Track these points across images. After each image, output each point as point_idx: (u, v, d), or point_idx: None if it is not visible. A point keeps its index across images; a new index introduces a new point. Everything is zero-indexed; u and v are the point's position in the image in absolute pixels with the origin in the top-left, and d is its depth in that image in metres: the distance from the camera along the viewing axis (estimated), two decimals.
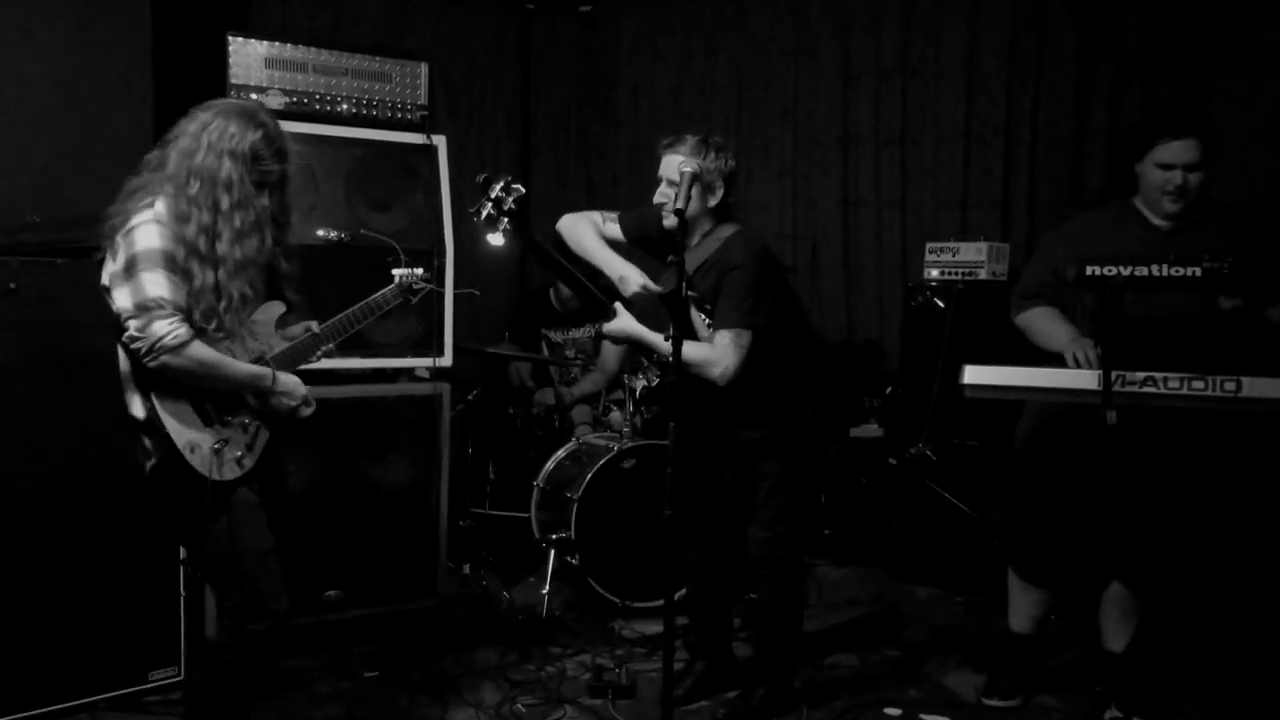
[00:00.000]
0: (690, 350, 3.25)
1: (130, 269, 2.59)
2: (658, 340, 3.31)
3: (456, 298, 4.19)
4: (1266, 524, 3.43)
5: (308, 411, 2.91)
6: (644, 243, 3.61)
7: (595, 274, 3.54)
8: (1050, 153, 5.50)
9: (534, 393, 5.71)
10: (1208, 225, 3.37)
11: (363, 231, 4.02)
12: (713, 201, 3.44)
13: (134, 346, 2.58)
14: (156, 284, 2.57)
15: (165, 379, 2.63)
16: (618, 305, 3.36)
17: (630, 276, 3.38)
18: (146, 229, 2.61)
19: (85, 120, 3.55)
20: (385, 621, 4.19)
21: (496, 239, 3.09)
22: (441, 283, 4.07)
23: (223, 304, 2.67)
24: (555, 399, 5.56)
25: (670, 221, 3.32)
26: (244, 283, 2.70)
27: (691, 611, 3.94)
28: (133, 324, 2.57)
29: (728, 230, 3.47)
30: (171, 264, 2.60)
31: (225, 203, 2.66)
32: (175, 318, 2.58)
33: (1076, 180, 5.43)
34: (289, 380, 2.84)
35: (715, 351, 3.29)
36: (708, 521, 3.75)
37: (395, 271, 3.25)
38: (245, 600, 2.75)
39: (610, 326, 3.38)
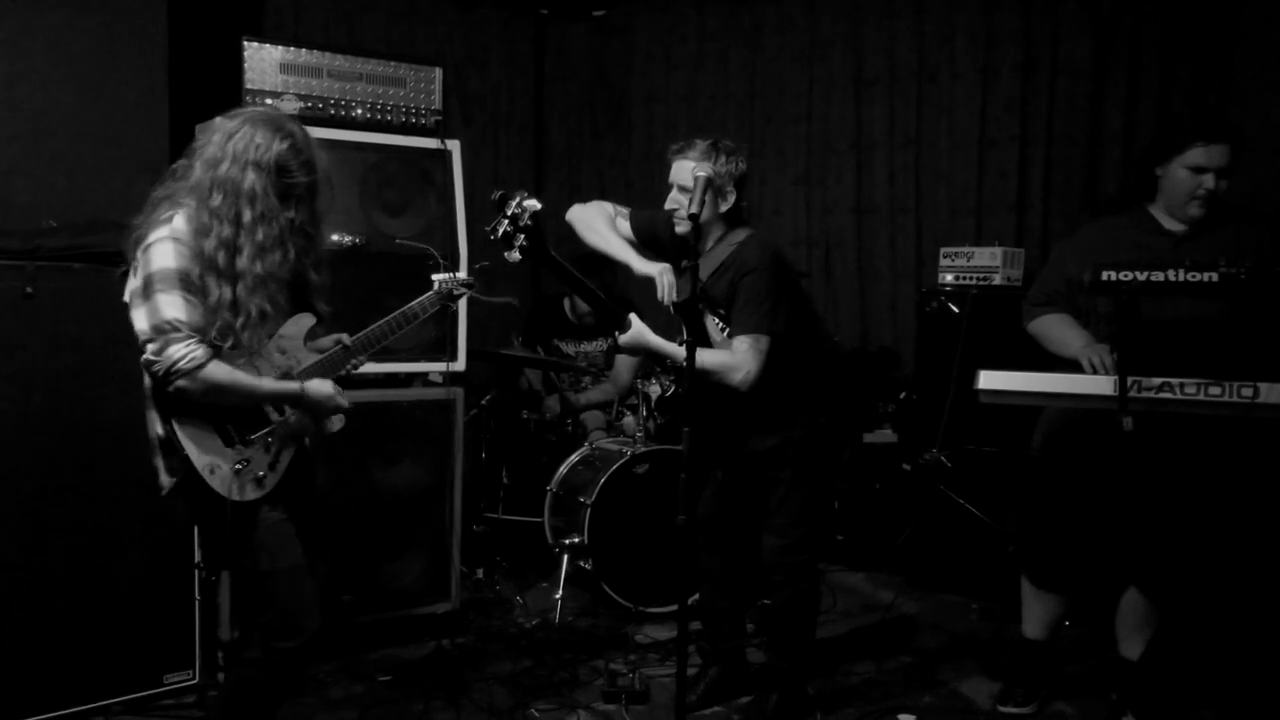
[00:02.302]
0: (710, 358, 3.26)
1: (147, 289, 2.54)
2: (674, 350, 3.30)
3: (471, 302, 4.20)
4: None
5: (338, 425, 2.86)
6: (653, 244, 3.61)
7: (608, 287, 3.52)
8: (1065, 157, 5.48)
9: (544, 398, 5.71)
10: (1221, 230, 3.35)
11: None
12: (724, 206, 3.43)
13: (151, 370, 2.55)
14: (172, 305, 2.53)
15: (185, 400, 2.59)
16: (633, 316, 3.35)
17: (651, 273, 3.37)
18: (162, 247, 2.55)
19: (101, 125, 3.56)
20: (399, 626, 4.20)
21: (513, 255, 3.07)
22: None
23: (239, 320, 2.60)
24: (561, 404, 5.55)
25: (684, 228, 3.31)
26: (263, 299, 2.62)
27: (705, 617, 3.93)
28: (150, 347, 2.53)
29: (741, 234, 3.47)
30: (187, 283, 2.55)
31: (248, 216, 2.59)
32: (191, 340, 2.53)
33: (1091, 185, 5.40)
34: (320, 389, 2.77)
35: (735, 358, 3.28)
36: (721, 527, 3.75)
37: (435, 277, 3.19)
38: (274, 619, 2.72)
39: (626, 338, 3.34)
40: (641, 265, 3.44)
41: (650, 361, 4.33)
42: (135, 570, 3.51)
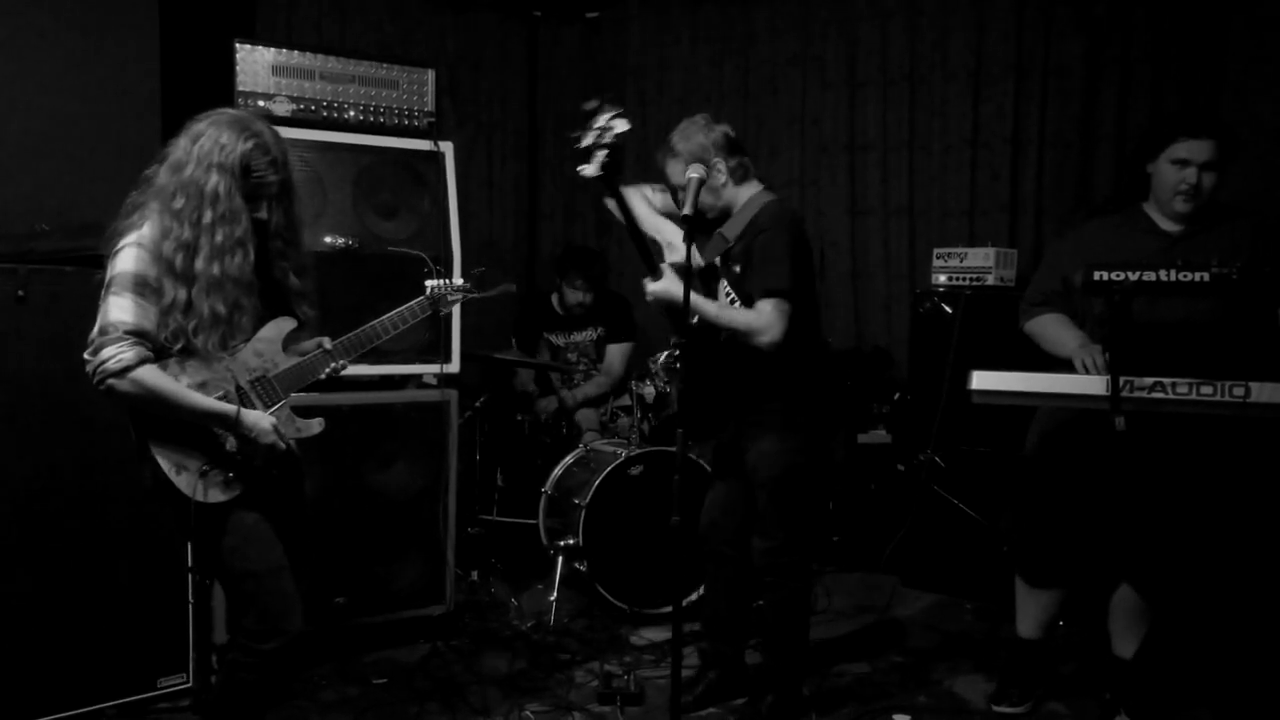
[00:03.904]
0: (738, 316, 3.34)
1: (105, 293, 2.56)
2: (700, 302, 3.33)
3: (465, 302, 4.20)
4: (1275, 529, 3.42)
5: (281, 448, 2.75)
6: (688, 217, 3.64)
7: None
8: (1058, 158, 5.48)
9: (538, 399, 5.71)
10: (1216, 229, 3.36)
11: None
12: (723, 178, 3.46)
13: (86, 370, 2.54)
14: (120, 308, 2.53)
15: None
16: (665, 266, 3.37)
17: (677, 244, 3.39)
18: (126, 253, 2.57)
19: (94, 129, 3.56)
20: (394, 628, 4.19)
21: (591, 169, 3.03)
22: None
23: (192, 323, 2.58)
24: (558, 404, 5.56)
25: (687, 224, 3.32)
26: (219, 301, 2.60)
27: (706, 620, 3.93)
28: (88, 350, 2.54)
29: (763, 197, 3.50)
30: (142, 287, 2.55)
31: (209, 217, 2.58)
32: (125, 342, 2.51)
33: (1084, 185, 5.41)
34: (256, 420, 2.69)
35: (761, 319, 3.30)
36: (722, 530, 3.74)
37: (428, 283, 3.18)
38: (253, 620, 2.72)
39: (656, 286, 3.35)
40: (669, 233, 3.50)
41: (668, 318, 4.30)
42: (129, 574, 3.51)
